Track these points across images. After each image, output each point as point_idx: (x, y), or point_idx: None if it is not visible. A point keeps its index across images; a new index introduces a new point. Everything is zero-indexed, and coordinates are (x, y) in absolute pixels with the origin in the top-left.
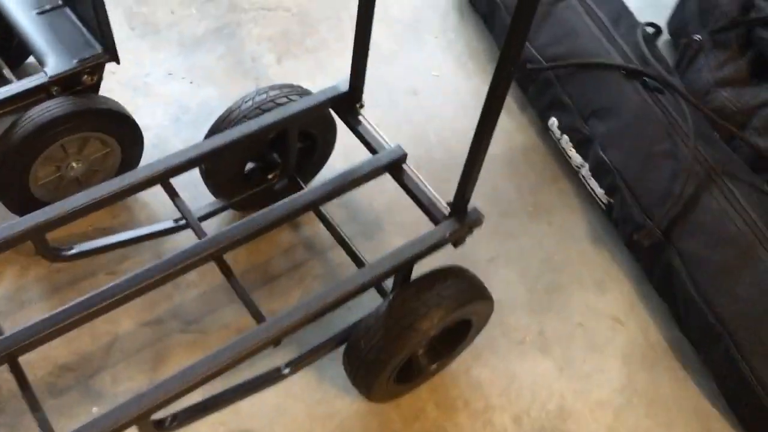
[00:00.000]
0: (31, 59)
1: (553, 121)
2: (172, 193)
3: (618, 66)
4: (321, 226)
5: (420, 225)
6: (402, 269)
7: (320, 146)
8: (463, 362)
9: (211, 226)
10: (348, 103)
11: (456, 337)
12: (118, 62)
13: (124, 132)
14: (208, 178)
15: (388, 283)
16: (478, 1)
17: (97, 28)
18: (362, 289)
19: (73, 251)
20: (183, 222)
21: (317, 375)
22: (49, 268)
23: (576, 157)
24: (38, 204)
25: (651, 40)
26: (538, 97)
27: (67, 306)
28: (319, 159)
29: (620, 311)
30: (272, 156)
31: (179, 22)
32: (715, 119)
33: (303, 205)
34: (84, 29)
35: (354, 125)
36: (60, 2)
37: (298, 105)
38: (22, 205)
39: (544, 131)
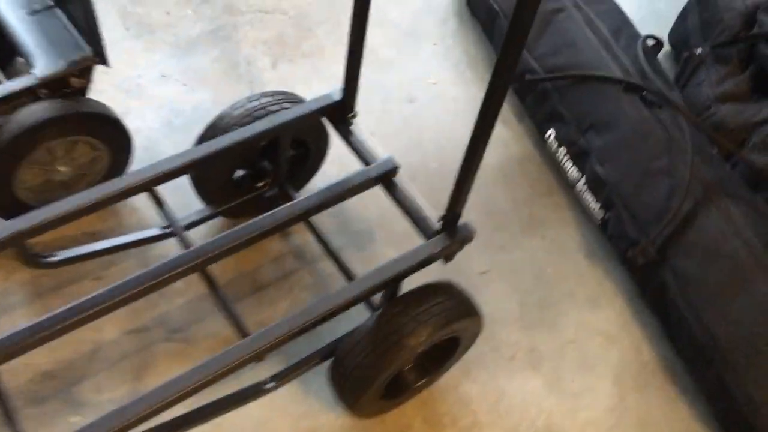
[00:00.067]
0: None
1: (551, 133)
2: (158, 202)
3: (617, 80)
4: (311, 234)
5: (412, 236)
6: (390, 285)
7: (313, 154)
8: (452, 378)
9: (200, 232)
10: (341, 112)
11: (444, 353)
12: (107, 65)
13: (113, 136)
14: (198, 185)
15: (378, 296)
16: (478, 8)
17: (87, 30)
18: (348, 305)
19: (56, 258)
20: (170, 230)
21: (303, 388)
22: (34, 273)
23: (572, 170)
24: (24, 207)
25: (651, 52)
26: (535, 107)
27: (49, 315)
28: (312, 167)
29: (613, 328)
30: (263, 163)
31: (174, 23)
32: (713, 137)
33: (291, 217)
34: (74, 31)
35: (346, 135)
36: (50, 3)
37: (290, 113)
38: (7, 208)
39: (541, 142)
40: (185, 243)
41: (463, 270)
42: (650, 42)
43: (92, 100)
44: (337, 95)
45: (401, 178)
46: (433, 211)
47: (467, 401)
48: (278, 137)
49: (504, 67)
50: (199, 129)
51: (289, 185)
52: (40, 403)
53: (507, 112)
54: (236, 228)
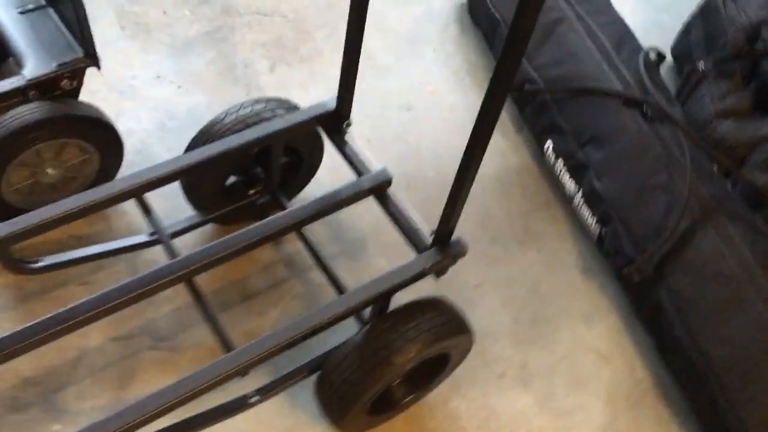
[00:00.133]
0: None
1: (549, 145)
2: (146, 209)
3: (617, 93)
4: (303, 243)
5: (405, 247)
6: (379, 300)
7: (306, 162)
8: (441, 393)
9: (191, 238)
10: (335, 121)
11: (434, 369)
12: (99, 68)
13: (103, 139)
14: (188, 192)
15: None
16: (480, 15)
17: (79, 31)
18: (336, 320)
19: (41, 264)
20: (157, 237)
21: (289, 401)
22: (18, 276)
23: (569, 184)
24: (11, 210)
25: (653, 66)
26: (534, 118)
27: (32, 323)
28: (305, 174)
29: (606, 346)
30: (256, 170)
31: (171, 24)
32: (713, 154)
33: (281, 228)
34: (66, 32)
35: (340, 144)
36: (43, 2)
37: (283, 121)
38: None
39: (539, 154)
40: (171, 252)
41: (457, 282)
42: (652, 55)
43: (83, 102)
44: (332, 104)
45: (395, 190)
46: (426, 224)
47: (456, 417)
48: (270, 145)
49: (502, 75)
50: (192, 132)
51: (282, 193)
52: (21, 410)
53: (506, 123)
54: (224, 238)
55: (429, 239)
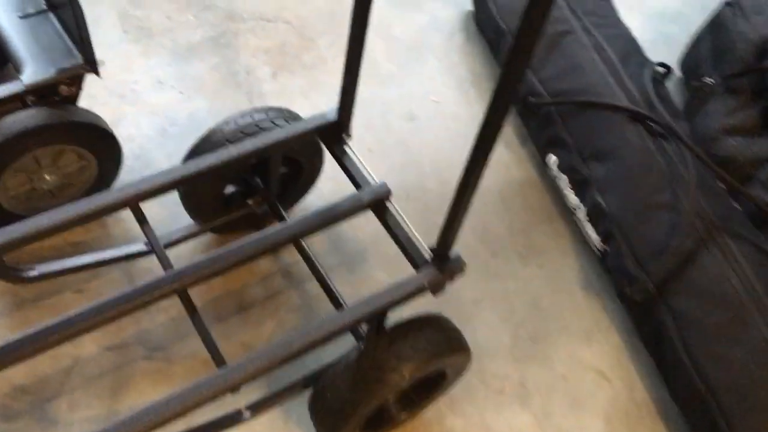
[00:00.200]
0: None
1: (553, 159)
2: (141, 219)
3: (622, 108)
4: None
5: (404, 260)
6: (375, 317)
7: (306, 172)
8: (437, 410)
9: (188, 247)
10: (335, 132)
11: (430, 386)
12: (98, 74)
13: (102, 146)
14: (186, 201)
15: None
16: (486, 25)
17: (78, 37)
18: (330, 336)
19: (34, 273)
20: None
21: (283, 415)
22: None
23: (573, 199)
24: (8, 216)
25: (660, 80)
26: (538, 131)
27: (22, 335)
28: (304, 185)
29: (606, 365)
30: (254, 180)
31: (174, 29)
32: (718, 172)
33: (278, 241)
34: (66, 37)
35: (340, 156)
36: (44, 7)
37: (283, 132)
38: None
39: (543, 167)
40: (165, 264)
41: (456, 298)
42: (659, 69)
43: (81, 109)
44: (332, 115)
45: (394, 202)
46: (425, 239)
47: None
48: (269, 156)
49: (506, 86)
50: (193, 138)
51: (281, 203)
52: (12, 419)
53: (510, 135)
54: (219, 251)
55: (427, 255)
